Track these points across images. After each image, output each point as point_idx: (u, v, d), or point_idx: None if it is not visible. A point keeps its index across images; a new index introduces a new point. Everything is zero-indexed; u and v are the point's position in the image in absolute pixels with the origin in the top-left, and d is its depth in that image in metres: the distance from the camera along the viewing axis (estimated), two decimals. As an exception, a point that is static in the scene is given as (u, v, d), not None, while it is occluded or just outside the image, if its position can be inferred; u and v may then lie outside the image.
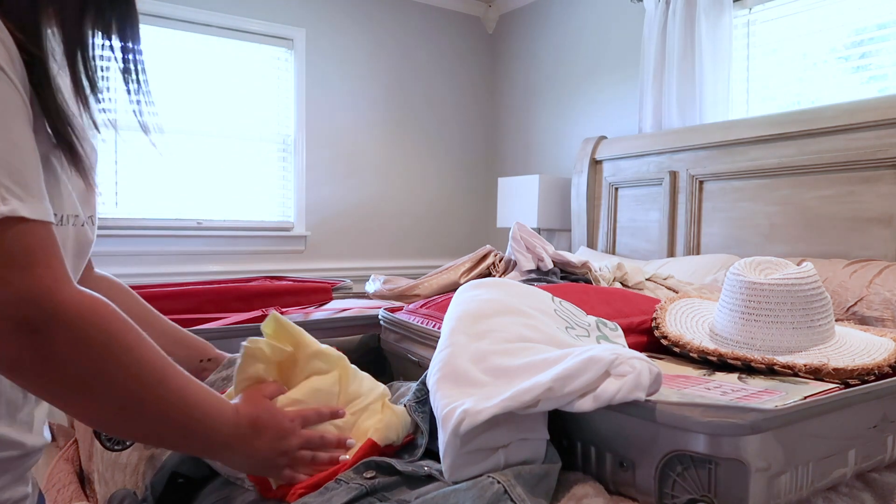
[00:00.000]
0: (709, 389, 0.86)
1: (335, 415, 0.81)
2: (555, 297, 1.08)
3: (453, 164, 4.05)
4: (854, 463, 0.77)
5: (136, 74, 0.71)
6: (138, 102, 0.71)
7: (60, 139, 0.63)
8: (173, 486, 0.87)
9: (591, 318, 1.08)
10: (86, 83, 0.65)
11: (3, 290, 0.54)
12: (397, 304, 1.67)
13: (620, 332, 1.08)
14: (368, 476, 0.75)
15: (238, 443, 0.71)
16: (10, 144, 0.55)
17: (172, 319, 1.02)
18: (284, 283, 1.94)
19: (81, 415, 0.62)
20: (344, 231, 3.66)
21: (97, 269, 0.95)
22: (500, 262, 1.95)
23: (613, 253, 2.99)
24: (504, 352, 0.83)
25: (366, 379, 0.88)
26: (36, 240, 0.56)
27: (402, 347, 1.20)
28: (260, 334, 0.81)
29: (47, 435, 0.74)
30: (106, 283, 0.94)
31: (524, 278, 1.75)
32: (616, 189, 3.00)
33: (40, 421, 0.73)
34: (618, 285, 1.75)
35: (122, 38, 0.69)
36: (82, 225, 0.73)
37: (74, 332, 0.57)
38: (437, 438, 0.77)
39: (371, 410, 0.84)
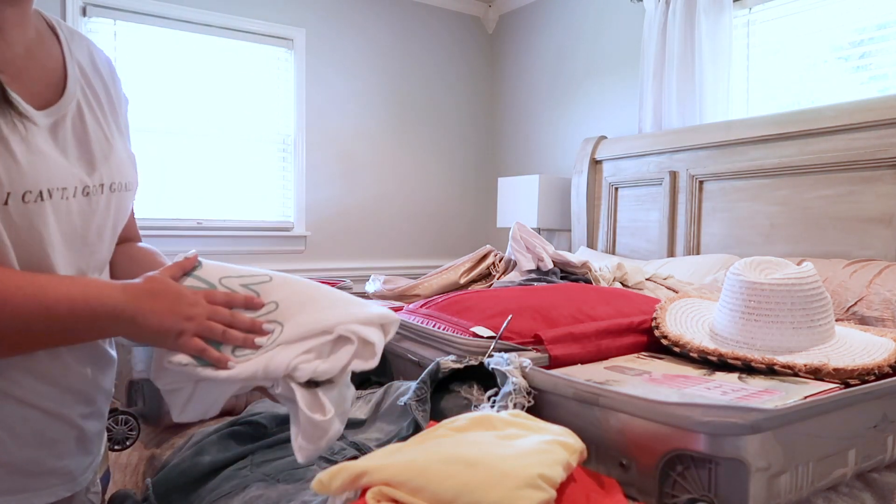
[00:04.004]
0: (709, 389, 0.86)
1: (250, 302, 0.76)
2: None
3: (453, 164, 4.05)
4: (854, 463, 0.77)
5: None
6: None
7: None
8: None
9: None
10: None
11: None
12: (397, 304, 1.67)
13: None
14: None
15: (132, 309, 0.68)
16: None
17: None
18: (284, 283, 1.93)
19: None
20: (344, 231, 3.66)
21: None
22: (500, 262, 1.95)
23: (613, 253, 2.99)
24: None
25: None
26: None
27: (402, 347, 1.20)
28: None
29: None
30: (128, 250, 0.91)
31: (524, 278, 1.75)
32: (616, 189, 3.00)
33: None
34: (618, 285, 1.75)
35: None
36: (83, 194, 0.73)
37: None
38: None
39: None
